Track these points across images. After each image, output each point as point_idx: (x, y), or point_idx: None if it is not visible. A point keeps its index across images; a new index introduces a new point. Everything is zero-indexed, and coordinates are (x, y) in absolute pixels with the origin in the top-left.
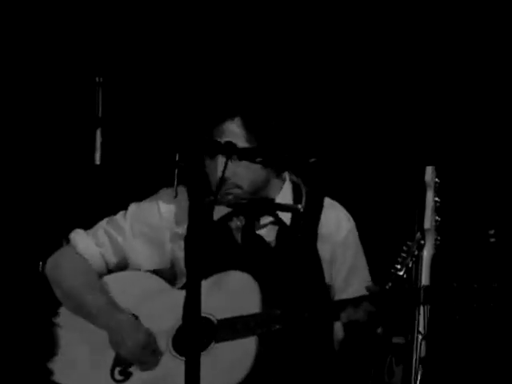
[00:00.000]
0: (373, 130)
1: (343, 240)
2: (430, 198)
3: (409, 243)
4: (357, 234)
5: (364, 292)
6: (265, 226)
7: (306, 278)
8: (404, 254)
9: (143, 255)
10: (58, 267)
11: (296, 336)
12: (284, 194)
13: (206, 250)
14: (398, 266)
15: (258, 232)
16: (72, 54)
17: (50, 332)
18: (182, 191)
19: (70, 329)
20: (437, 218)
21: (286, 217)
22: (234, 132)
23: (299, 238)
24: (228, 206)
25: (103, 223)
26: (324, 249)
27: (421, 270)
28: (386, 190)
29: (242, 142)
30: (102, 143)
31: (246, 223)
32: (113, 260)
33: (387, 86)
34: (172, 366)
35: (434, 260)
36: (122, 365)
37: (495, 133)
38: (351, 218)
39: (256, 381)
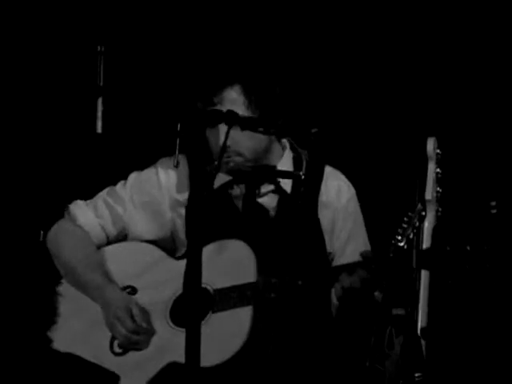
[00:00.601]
0: (374, 101)
1: (343, 207)
2: (432, 169)
3: (410, 214)
4: (357, 202)
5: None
6: (265, 194)
7: (305, 246)
8: (405, 225)
9: (143, 225)
10: (58, 241)
11: (291, 305)
12: (285, 162)
13: (206, 219)
14: (399, 237)
15: (258, 200)
16: (74, 23)
17: (52, 301)
18: (182, 159)
19: (72, 298)
20: (438, 189)
21: (286, 185)
22: (234, 99)
23: (300, 206)
24: (229, 174)
25: (103, 194)
26: (324, 216)
27: (422, 241)
28: (387, 160)
29: (242, 110)
30: (103, 112)
31: (246, 191)
32: (113, 231)
33: (389, 56)
34: (170, 337)
35: (435, 231)
36: None
37: (497, 103)
38: (352, 186)
39: (253, 351)
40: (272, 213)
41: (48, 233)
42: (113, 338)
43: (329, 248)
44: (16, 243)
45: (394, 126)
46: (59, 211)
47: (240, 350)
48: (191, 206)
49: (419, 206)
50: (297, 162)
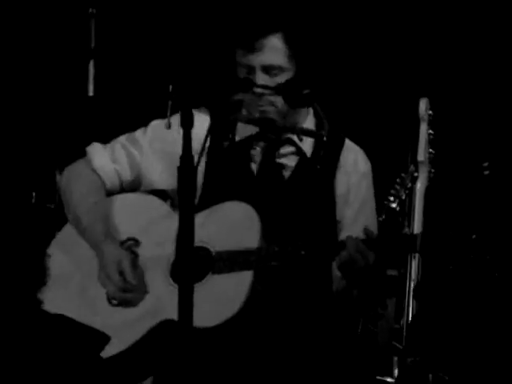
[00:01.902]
0: (367, 62)
1: (358, 180)
2: (424, 130)
3: (402, 175)
4: (371, 177)
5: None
6: (285, 155)
7: (315, 213)
8: (397, 186)
9: (159, 173)
10: (69, 184)
11: (292, 274)
12: (308, 125)
13: (221, 173)
14: (392, 198)
15: (277, 160)
16: None
17: (42, 262)
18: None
19: (65, 254)
20: (430, 150)
21: (306, 149)
22: (275, 47)
23: (318, 170)
24: (256, 124)
25: (122, 139)
26: (340, 183)
27: (414, 202)
28: (379, 122)
29: (281, 60)
30: (94, 75)
31: (266, 150)
32: (127, 177)
33: (382, 17)
34: (167, 294)
35: (428, 192)
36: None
37: (489, 63)
38: (369, 162)
39: (249, 316)
40: (288, 175)
41: (63, 172)
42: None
43: (338, 216)
44: (8, 205)
45: (385, 87)
46: (51, 174)
47: (235, 314)
48: (182, 167)
49: (411, 167)
50: (319, 127)
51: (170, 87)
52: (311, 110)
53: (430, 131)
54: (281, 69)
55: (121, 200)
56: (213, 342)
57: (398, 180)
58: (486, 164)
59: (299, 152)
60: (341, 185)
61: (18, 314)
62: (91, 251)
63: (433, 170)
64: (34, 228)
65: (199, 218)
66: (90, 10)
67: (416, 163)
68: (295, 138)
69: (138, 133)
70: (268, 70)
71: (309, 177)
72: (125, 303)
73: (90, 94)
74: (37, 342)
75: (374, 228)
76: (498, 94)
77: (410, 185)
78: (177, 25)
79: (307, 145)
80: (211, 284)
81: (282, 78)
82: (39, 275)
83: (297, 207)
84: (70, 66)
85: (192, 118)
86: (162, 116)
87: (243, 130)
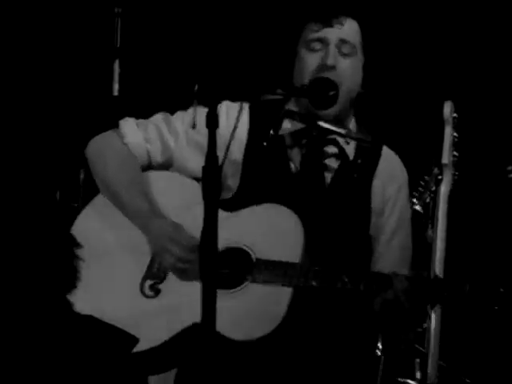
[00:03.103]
0: (391, 65)
1: (396, 191)
2: (448, 132)
3: (426, 178)
4: (407, 188)
5: (405, 244)
6: (328, 156)
7: (352, 227)
8: (421, 189)
9: (191, 163)
10: (102, 156)
11: (331, 298)
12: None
13: (259, 171)
14: (415, 201)
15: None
16: None
17: (72, 264)
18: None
19: (95, 250)
20: (455, 153)
21: (349, 153)
22: (354, 26)
23: (355, 178)
24: (302, 122)
25: (157, 119)
26: (374, 197)
27: (438, 205)
28: (404, 124)
29: (356, 39)
30: (120, 74)
31: (310, 147)
32: (158, 160)
33: (407, 20)
34: (196, 291)
35: (452, 195)
36: (154, 278)
37: None
38: (405, 172)
39: (280, 335)
40: (330, 178)
41: (90, 143)
42: (144, 279)
43: (372, 232)
44: (32, 206)
45: (410, 89)
46: (75, 174)
47: (270, 333)
48: (207, 167)
49: (436, 169)
50: (360, 131)
51: (196, 86)
52: (353, 119)
53: (455, 134)
54: (354, 49)
55: (158, 178)
56: (237, 352)
57: (422, 183)
58: (510, 167)
59: (342, 155)
60: (376, 196)
61: (46, 316)
62: (128, 229)
63: (457, 173)
64: (59, 227)
65: (243, 217)
66: (116, 10)
67: (440, 166)
68: (340, 139)
69: (176, 117)
70: (342, 46)
71: (348, 183)
72: (183, 275)
73: (115, 93)
74: (65, 346)
75: (409, 245)
76: None
77: (434, 188)
78: (202, 24)
79: (350, 149)
80: (248, 295)
81: (351, 61)
82: (69, 277)
83: (336, 218)
84: (95, 66)
85: (217, 118)
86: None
87: (287, 127)
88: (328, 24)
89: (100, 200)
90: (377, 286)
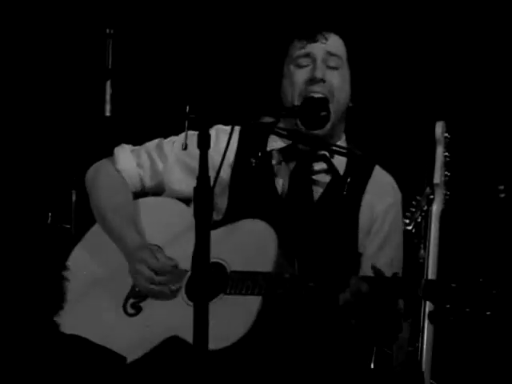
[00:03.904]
0: (383, 85)
1: (384, 210)
2: (440, 152)
3: (418, 198)
4: (400, 208)
5: (391, 262)
6: (317, 172)
7: (337, 242)
8: (413, 209)
9: (180, 185)
10: (95, 181)
11: (298, 304)
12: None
13: (246, 191)
14: (407, 221)
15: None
16: (82, 5)
17: (59, 284)
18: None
19: (81, 273)
20: (446, 173)
21: (339, 170)
22: (337, 40)
23: (344, 196)
24: (289, 138)
25: (150, 145)
26: (364, 215)
27: (430, 224)
28: (396, 144)
29: (342, 51)
30: (111, 95)
31: (298, 165)
32: (149, 184)
33: (398, 40)
34: (180, 310)
35: (444, 215)
36: (136, 297)
37: (506, 88)
38: (398, 191)
39: (252, 342)
40: (319, 194)
41: (89, 170)
42: (126, 299)
43: (360, 247)
44: (23, 226)
45: (402, 109)
46: (67, 194)
47: (238, 340)
48: (199, 188)
49: (427, 189)
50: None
51: (187, 107)
52: (343, 136)
53: (446, 154)
54: (340, 61)
55: (148, 203)
56: (215, 363)
57: (413, 202)
58: (501, 187)
59: (332, 170)
60: (364, 214)
61: (33, 336)
62: (116, 253)
63: (448, 193)
64: (50, 248)
65: (220, 233)
66: (108, 31)
67: (432, 186)
68: (328, 155)
69: (167, 141)
70: (329, 60)
71: (337, 200)
72: (156, 290)
73: (107, 114)
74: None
75: (398, 264)
76: None
77: (425, 207)
78: (194, 45)
79: (340, 166)
80: (220, 305)
81: (338, 76)
82: (56, 298)
83: (321, 230)
84: (87, 86)
85: (209, 139)
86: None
87: (275, 145)
88: (313, 39)
89: (96, 228)
90: (333, 286)
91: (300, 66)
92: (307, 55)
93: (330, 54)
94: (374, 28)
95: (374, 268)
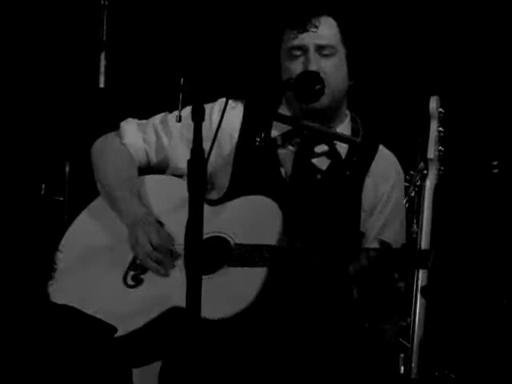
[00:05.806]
0: (377, 60)
1: (388, 190)
2: (434, 127)
3: (412, 173)
4: (403, 188)
5: (394, 241)
6: (319, 155)
7: (340, 220)
8: (407, 184)
9: (184, 160)
10: (100, 154)
11: (304, 276)
12: (343, 129)
13: (249, 172)
14: None
15: (311, 160)
16: None
17: (51, 256)
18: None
19: (77, 249)
20: (440, 148)
21: (341, 151)
22: (329, 25)
23: (347, 176)
24: (291, 125)
25: (156, 120)
26: (366, 196)
27: (423, 199)
28: (390, 119)
29: (334, 38)
30: (106, 66)
31: (300, 148)
32: (154, 159)
33: (392, 13)
34: (182, 281)
35: (437, 190)
36: (137, 269)
37: (500, 62)
38: (401, 172)
39: (258, 313)
40: (320, 176)
41: (95, 143)
42: (128, 270)
43: (363, 227)
44: (17, 198)
45: (396, 84)
46: (61, 166)
47: (242, 311)
48: (192, 161)
49: (421, 164)
50: (355, 132)
51: (182, 80)
52: (348, 115)
53: (441, 129)
54: (333, 49)
55: (151, 181)
56: (219, 335)
57: (407, 177)
58: (495, 162)
59: (333, 153)
60: (368, 194)
61: (25, 308)
62: (118, 225)
63: (442, 168)
64: (43, 220)
65: (223, 208)
66: (102, 2)
67: (426, 161)
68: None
69: (171, 117)
70: (322, 49)
71: (339, 181)
72: (154, 265)
73: (101, 85)
74: (42, 336)
75: (402, 242)
76: (509, 93)
77: (419, 182)
78: (189, 16)
79: (342, 147)
80: (224, 277)
81: (333, 61)
82: (47, 269)
83: (324, 211)
84: (82, 58)
85: (203, 112)
86: (174, 108)
87: (280, 126)
88: (303, 29)
89: (96, 203)
90: (345, 258)
91: (293, 57)
92: (299, 47)
93: (321, 46)
94: (366, 5)
95: (381, 243)
